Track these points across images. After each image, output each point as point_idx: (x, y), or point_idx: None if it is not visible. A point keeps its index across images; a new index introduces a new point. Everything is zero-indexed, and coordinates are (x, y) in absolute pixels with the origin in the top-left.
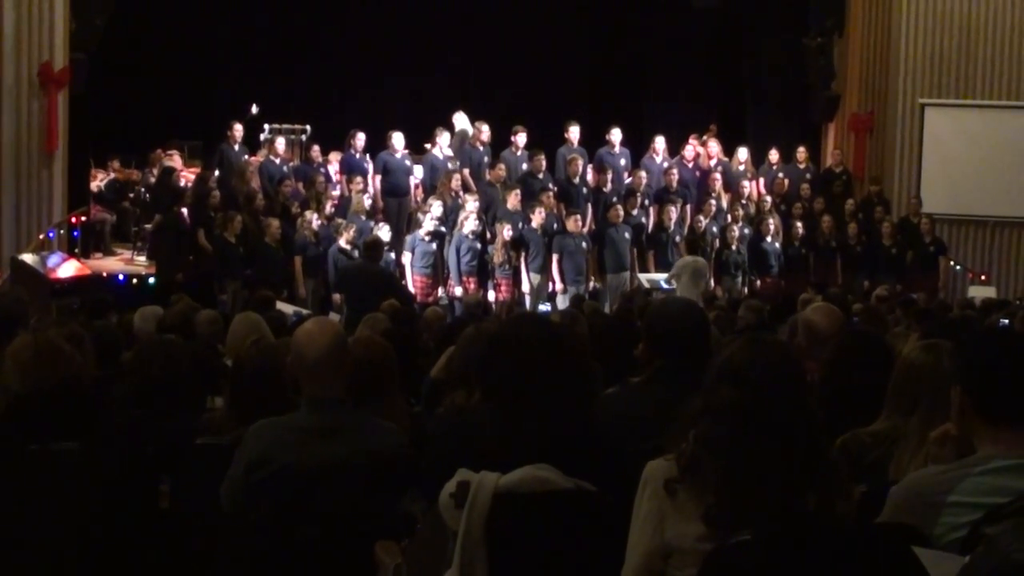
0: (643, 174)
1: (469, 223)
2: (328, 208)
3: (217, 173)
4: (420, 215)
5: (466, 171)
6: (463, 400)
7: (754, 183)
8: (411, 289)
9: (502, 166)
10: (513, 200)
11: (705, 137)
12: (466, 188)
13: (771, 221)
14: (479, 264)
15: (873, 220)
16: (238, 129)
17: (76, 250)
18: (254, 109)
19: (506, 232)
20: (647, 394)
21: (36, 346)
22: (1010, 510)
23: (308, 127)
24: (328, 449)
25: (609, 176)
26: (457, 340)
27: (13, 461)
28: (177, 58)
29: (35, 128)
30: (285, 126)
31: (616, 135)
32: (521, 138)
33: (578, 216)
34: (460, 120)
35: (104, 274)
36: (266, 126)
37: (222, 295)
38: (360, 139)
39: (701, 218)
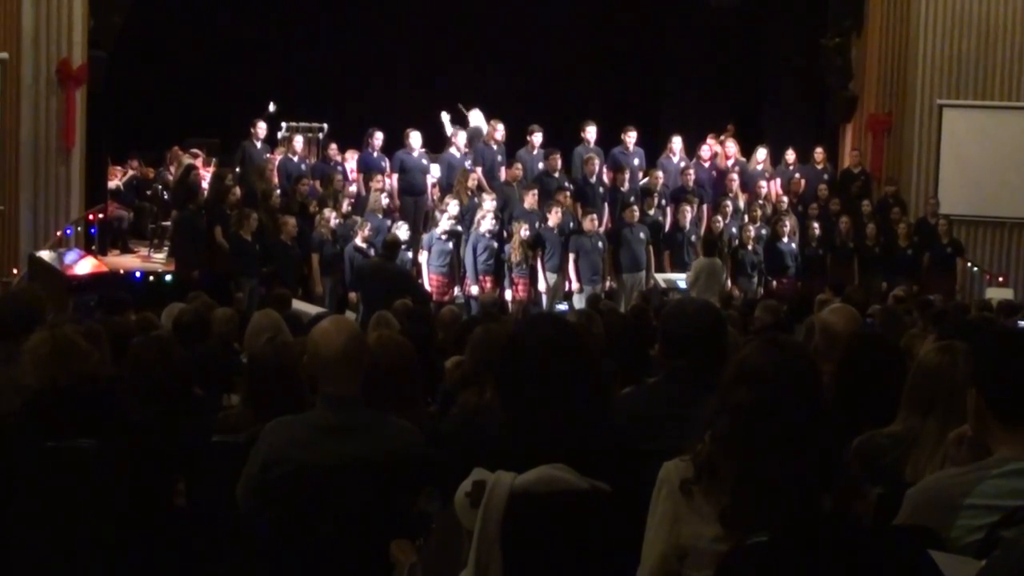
0: (660, 174)
1: (486, 222)
2: (345, 206)
3: (238, 170)
4: (437, 214)
5: (479, 169)
6: (474, 399)
7: (771, 183)
8: (427, 288)
9: (519, 165)
10: (530, 199)
11: (723, 137)
12: (479, 187)
13: (787, 221)
14: (496, 263)
15: (889, 221)
16: (261, 127)
17: (93, 247)
18: (271, 107)
19: (523, 231)
20: (663, 394)
21: (53, 343)
22: None
23: (325, 125)
24: (344, 448)
25: (626, 176)
26: (468, 342)
27: (30, 458)
28: (194, 56)
29: (53, 125)
30: (302, 124)
31: (631, 136)
32: (537, 137)
33: (594, 216)
34: (475, 117)
35: (121, 271)
36: (283, 124)
37: (238, 293)
38: (378, 138)
39: (719, 218)
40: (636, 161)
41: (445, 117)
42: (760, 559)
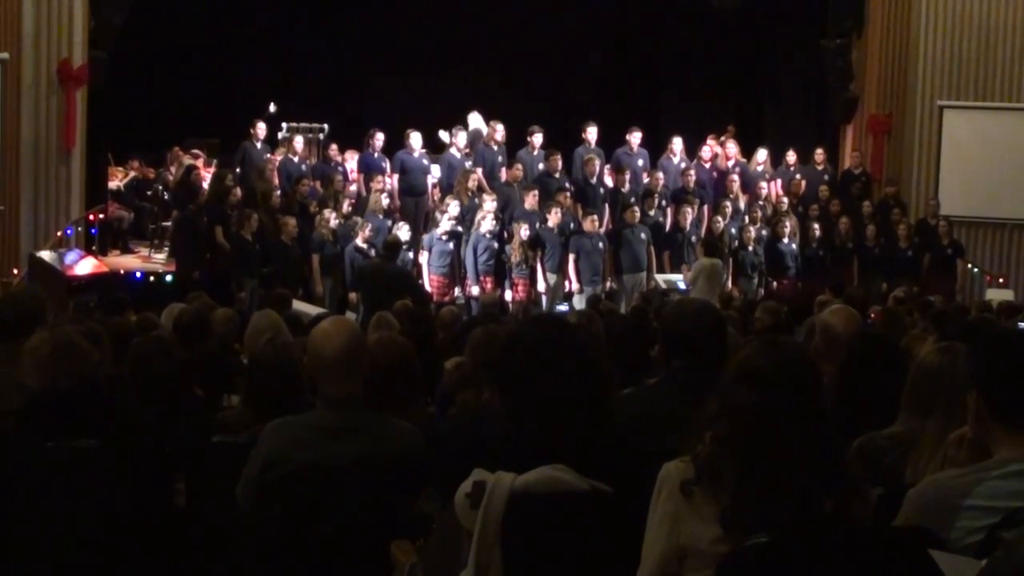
0: (660, 175)
1: (486, 222)
2: (345, 207)
3: (238, 171)
4: (437, 214)
5: (480, 170)
6: (472, 399)
7: (772, 184)
8: (428, 288)
9: (519, 166)
10: (530, 200)
11: (723, 138)
12: (480, 187)
13: (787, 222)
14: (496, 264)
15: (890, 222)
16: (261, 127)
17: (94, 247)
18: (272, 108)
19: (523, 232)
20: (663, 395)
21: (53, 343)
22: None
23: (326, 126)
24: (344, 448)
25: (627, 176)
26: (468, 342)
27: (31, 458)
28: (195, 56)
29: (53, 125)
30: (303, 125)
31: (635, 137)
32: (537, 138)
33: (595, 216)
34: (475, 120)
35: (121, 271)
36: (284, 125)
37: (239, 293)
38: (379, 139)
39: (719, 219)
40: (640, 162)
41: (444, 135)
42: (760, 560)
